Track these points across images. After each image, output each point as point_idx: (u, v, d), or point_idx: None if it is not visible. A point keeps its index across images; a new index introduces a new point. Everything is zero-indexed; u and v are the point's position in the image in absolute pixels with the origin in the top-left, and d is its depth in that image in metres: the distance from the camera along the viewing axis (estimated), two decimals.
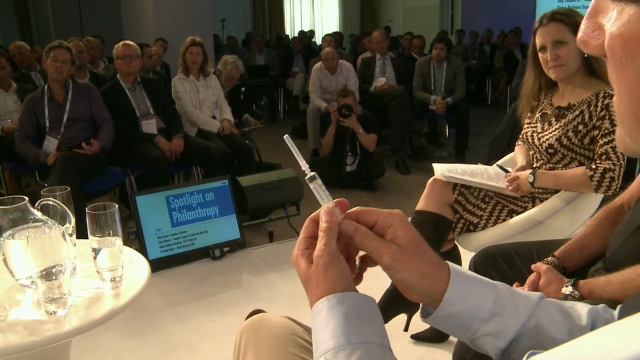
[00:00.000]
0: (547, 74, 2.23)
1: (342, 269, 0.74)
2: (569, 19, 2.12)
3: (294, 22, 16.50)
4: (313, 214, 0.80)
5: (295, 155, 0.84)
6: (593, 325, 0.75)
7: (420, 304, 0.80)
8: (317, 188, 0.82)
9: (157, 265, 3.31)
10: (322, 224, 0.76)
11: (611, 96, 2.09)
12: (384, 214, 0.78)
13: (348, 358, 0.67)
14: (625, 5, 0.46)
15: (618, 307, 0.77)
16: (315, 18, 16.93)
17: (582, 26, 0.52)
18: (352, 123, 5.01)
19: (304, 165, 0.83)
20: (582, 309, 0.77)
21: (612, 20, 0.47)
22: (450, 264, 0.77)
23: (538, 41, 2.20)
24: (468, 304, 0.75)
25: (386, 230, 0.76)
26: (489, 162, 2.88)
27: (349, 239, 0.77)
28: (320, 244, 0.75)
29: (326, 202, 0.80)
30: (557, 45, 2.13)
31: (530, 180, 2.21)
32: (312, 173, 0.82)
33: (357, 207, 0.80)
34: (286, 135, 0.88)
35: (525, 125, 2.41)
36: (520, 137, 2.46)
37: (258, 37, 10.32)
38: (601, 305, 0.79)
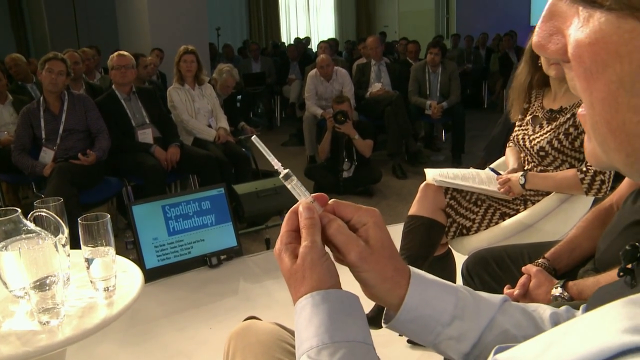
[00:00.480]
0: (547, 71, 2.21)
1: (329, 266, 0.74)
2: None
3: (290, 30, 16.55)
4: (294, 206, 0.79)
5: (266, 155, 0.83)
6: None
7: (384, 311, 0.81)
8: (294, 186, 0.81)
9: (154, 274, 3.32)
10: (304, 221, 0.76)
11: None
12: (361, 211, 0.77)
13: (331, 356, 0.67)
14: (593, 11, 0.42)
15: (582, 307, 0.78)
16: (311, 25, 16.97)
17: (538, 29, 0.50)
18: (348, 129, 5.03)
19: (277, 164, 0.82)
20: (544, 312, 0.78)
21: (578, 27, 0.44)
22: (412, 268, 0.77)
23: None
24: (429, 307, 0.75)
25: (359, 228, 0.77)
26: (484, 165, 2.90)
27: (322, 229, 0.77)
28: (307, 240, 0.74)
29: (304, 199, 0.79)
30: None
31: (522, 182, 2.22)
32: (286, 170, 0.81)
33: (334, 200, 0.80)
34: (254, 136, 0.88)
35: (516, 128, 2.42)
36: (511, 139, 2.47)
37: (254, 45, 10.35)
38: (563, 308, 0.80)
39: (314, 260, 0.73)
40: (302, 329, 0.71)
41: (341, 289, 0.74)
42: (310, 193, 0.80)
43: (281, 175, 0.81)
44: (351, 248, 0.75)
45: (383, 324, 0.80)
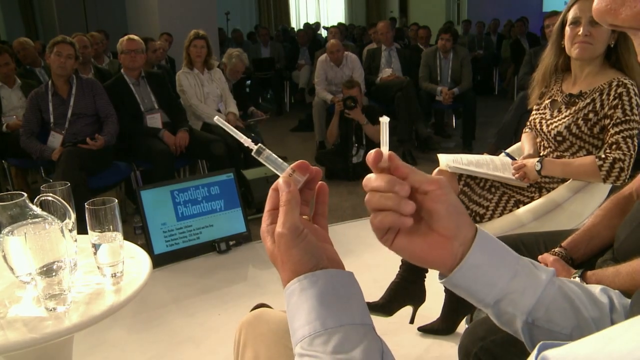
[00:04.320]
0: (569, 51, 2.15)
1: (307, 245, 0.68)
2: None
3: (299, 15, 16.45)
4: (274, 183, 0.74)
5: (233, 134, 0.76)
6: (611, 302, 0.73)
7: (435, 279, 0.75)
8: (268, 160, 0.75)
9: (162, 260, 3.31)
10: (282, 196, 0.70)
11: (624, 85, 2.05)
12: (430, 179, 0.69)
13: (325, 345, 0.62)
14: None
15: (635, 295, 0.75)
16: (321, 10, 16.87)
17: None
18: (357, 115, 4.98)
19: (246, 141, 0.76)
20: (592, 287, 0.76)
21: None
22: (478, 227, 0.72)
23: (572, 14, 2.11)
24: (493, 258, 0.70)
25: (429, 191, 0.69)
26: (495, 152, 2.85)
27: (402, 176, 0.69)
28: (279, 221, 0.69)
29: (281, 172, 0.74)
30: (593, 23, 2.06)
31: (538, 168, 2.17)
32: (258, 145, 0.75)
33: (396, 160, 0.71)
34: (216, 117, 0.83)
35: (534, 112, 2.37)
36: (528, 124, 2.42)
37: (263, 30, 10.29)
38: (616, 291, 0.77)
39: (288, 242, 0.68)
40: (293, 317, 0.66)
41: (329, 267, 0.68)
42: (323, 177, 0.75)
43: (253, 152, 0.75)
44: (431, 180, 0.68)
45: (439, 279, 0.74)
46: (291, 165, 0.74)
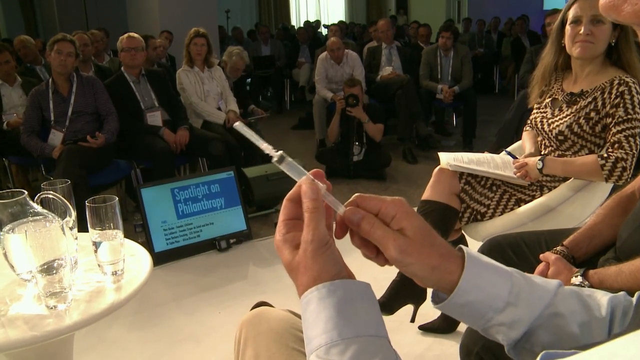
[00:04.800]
0: (570, 51, 2.15)
1: (332, 254, 0.68)
2: None
3: (300, 13, 16.43)
4: (289, 192, 0.73)
5: (254, 141, 0.75)
6: (612, 315, 0.72)
7: (431, 290, 0.76)
8: (290, 168, 0.73)
9: (163, 258, 3.30)
10: (308, 202, 0.70)
11: (626, 83, 2.04)
12: (387, 202, 0.71)
13: (341, 355, 0.62)
14: None
15: (637, 294, 0.74)
16: (321, 8, 16.85)
17: None
18: (359, 113, 4.98)
19: (267, 148, 0.74)
20: (601, 298, 0.74)
21: None
22: (466, 250, 0.72)
23: (573, 13, 2.11)
24: (482, 293, 0.70)
25: (389, 221, 0.71)
26: (496, 150, 2.84)
27: (354, 226, 0.71)
28: (308, 228, 0.68)
29: (304, 178, 0.73)
30: (594, 22, 2.05)
31: (539, 166, 2.17)
32: (279, 152, 0.73)
33: (357, 194, 0.73)
34: (237, 122, 0.81)
35: (534, 111, 2.36)
36: (529, 122, 2.41)
37: (263, 28, 10.28)
38: (621, 293, 0.75)
39: (316, 249, 0.67)
40: (310, 326, 0.66)
41: (348, 278, 0.69)
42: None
43: (274, 160, 0.73)
44: (389, 243, 0.69)
45: (432, 304, 0.75)
46: (309, 172, 0.73)
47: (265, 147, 0.74)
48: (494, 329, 0.73)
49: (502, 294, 0.71)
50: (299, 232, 0.70)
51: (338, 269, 0.68)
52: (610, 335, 0.70)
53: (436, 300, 0.75)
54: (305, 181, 0.72)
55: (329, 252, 0.68)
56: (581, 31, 2.07)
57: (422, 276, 0.71)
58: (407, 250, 0.69)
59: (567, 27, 2.13)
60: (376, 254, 0.73)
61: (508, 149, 2.59)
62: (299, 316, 1.10)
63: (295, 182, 0.74)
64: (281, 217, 0.72)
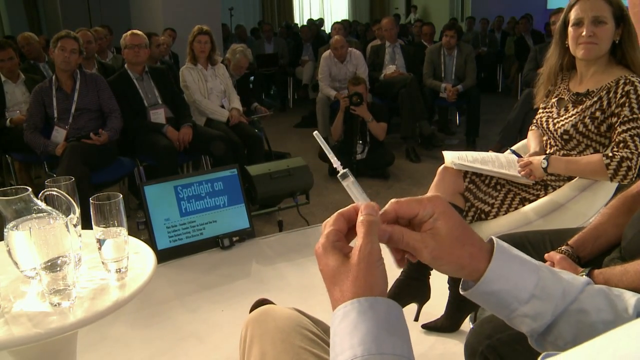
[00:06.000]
0: (574, 52, 2.15)
1: (384, 270, 0.70)
2: (613, 0, 2.06)
3: (303, 11, 16.42)
4: (343, 209, 0.74)
5: (327, 152, 0.79)
6: (639, 315, 0.73)
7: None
8: (350, 186, 0.77)
9: (166, 255, 3.30)
10: (366, 217, 0.71)
11: (632, 82, 2.03)
12: (424, 204, 0.73)
13: None
14: None
15: None
16: (325, 6, 16.83)
17: None
18: (363, 111, 4.97)
19: (336, 162, 0.78)
20: (630, 298, 0.74)
21: None
22: (497, 242, 0.74)
23: (574, 15, 2.10)
24: (508, 284, 0.72)
25: (426, 221, 0.73)
26: (500, 149, 2.84)
27: (384, 242, 0.73)
28: (365, 239, 0.69)
29: (361, 201, 0.75)
30: (595, 23, 2.05)
31: (544, 165, 2.16)
32: (344, 170, 0.77)
33: (394, 201, 0.75)
34: (315, 132, 0.83)
35: (540, 111, 2.35)
36: (534, 122, 2.40)
37: (267, 26, 10.28)
38: None
39: (372, 263, 0.68)
40: (345, 336, 0.65)
41: (387, 297, 0.70)
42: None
43: (339, 174, 0.78)
44: (421, 249, 0.72)
45: (460, 291, 0.77)
46: (366, 203, 0.75)
47: (335, 162, 0.79)
48: (518, 319, 0.74)
49: (528, 286, 0.73)
50: (345, 245, 0.72)
51: (384, 288, 0.70)
52: None
53: (464, 287, 0.77)
54: (365, 203, 0.74)
55: (382, 268, 0.70)
56: (583, 33, 2.06)
57: (452, 273, 0.75)
58: (438, 255, 0.72)
59: (570, 29, 2.13)
60: (402, 256, 0.76)
61: (513, 148, 2.58)
62: (305, 314, 1.10)
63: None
64: (332, 225, 0.73)
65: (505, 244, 0.75)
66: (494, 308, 0.75)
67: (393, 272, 2.60)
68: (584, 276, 1.43)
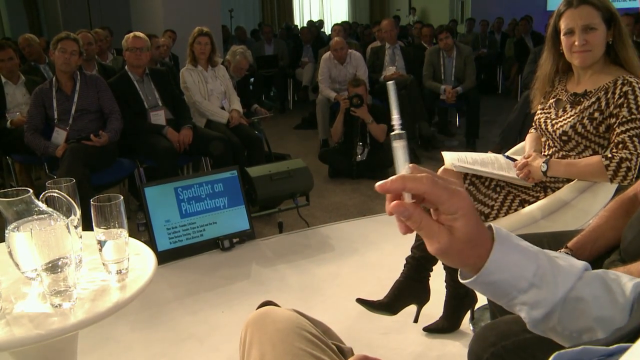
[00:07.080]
0: (569, 59, 2.15)
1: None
2: (600, 3, 2.05)
3: (303, 12, 16.43)
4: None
5: (392, 105, 0.76)
6: (635, 299, 0.74)
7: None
8: (399, 148, 0.74)
9: (166, 257, 3.31)
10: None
11: (630, 83, 2.04)
12: (453, 198, 0.70)
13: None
14: None
15: None
16: (325, 8, 16.84)
17: None
18: (363, 113, 4.98)
19: (397, 120, 0.75)
20: (627, 282, 0.75)
21: None
22: (496, 231, 0.74)
23: (564, 24, 2.11)
24: (507, 273, 0.73)
25: (447, 215, 0.71)
26: (500, 151, 2.84)
27: (400, 218, 0.72)
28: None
29: (402, 166, 0.73)
30: (586, 31, 2.05)
31: (544, 169, 2.16)
32: (402, 131, 0.74)
33: (431, 178, 0.70)
34: (390, 82, 0.80)
35: (539, 112, 2.35)
36: (533, 123, 2.41)
37: (267, 28, 10.28)
38: None
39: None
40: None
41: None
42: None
43: (393, 133, 0.74)
44: (434, 243, 0.72)
45: (460, 279, 0.78)
46: (409, 165, 0.74)
47: (395, 119, 0.76)
48: (517, 307, 0.76)
49: (527, 275, 0.73)
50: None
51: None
52: (631, 317, 0.73)
53: (463, 277, 0.78)
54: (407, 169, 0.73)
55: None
56: (576, 42, 2.07)
57: (454, 267, 0.75)
58: (447, 251, 0.72)
59: (562, 37, 2.14)
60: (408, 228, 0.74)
61: (508, 153, 2.57)
62: (304, 316, 1.10)
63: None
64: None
65: (504, 231, 0.75)
66: (493, 296, 0.77)
67: (393, 273, 2.59)
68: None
